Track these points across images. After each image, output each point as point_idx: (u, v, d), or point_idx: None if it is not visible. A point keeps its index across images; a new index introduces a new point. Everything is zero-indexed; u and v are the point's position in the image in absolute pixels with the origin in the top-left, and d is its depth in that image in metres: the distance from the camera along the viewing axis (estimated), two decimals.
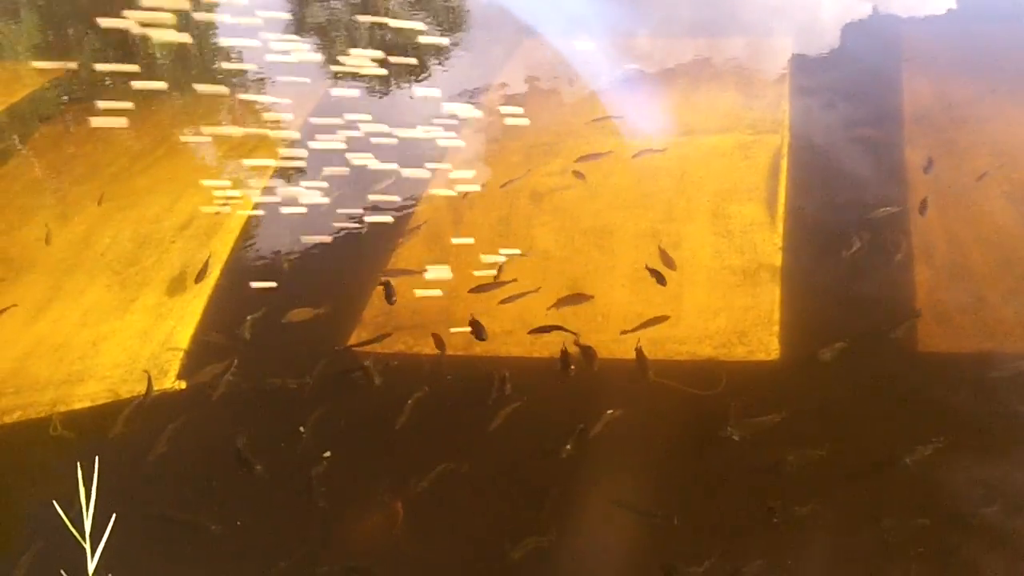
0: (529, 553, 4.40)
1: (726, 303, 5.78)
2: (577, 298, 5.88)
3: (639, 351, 5.41)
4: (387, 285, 6.08)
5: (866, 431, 4.87)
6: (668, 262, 6.06)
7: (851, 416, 4.95)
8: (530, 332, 5.67)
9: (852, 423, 4.91)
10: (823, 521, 4.40)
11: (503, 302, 5.91)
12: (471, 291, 6.02)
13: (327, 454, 5.02)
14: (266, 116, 8.36)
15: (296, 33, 9.95)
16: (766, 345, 5.45)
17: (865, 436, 4.84)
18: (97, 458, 2.78)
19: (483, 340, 5.66)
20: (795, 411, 4.93)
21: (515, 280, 6.06)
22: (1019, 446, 4.71)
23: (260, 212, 7.05)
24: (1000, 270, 5.85)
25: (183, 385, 5.57)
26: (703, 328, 5.62)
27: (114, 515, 2.81)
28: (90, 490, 2.65)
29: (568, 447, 4.88)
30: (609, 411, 5.04)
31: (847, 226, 6.26)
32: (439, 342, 5.68)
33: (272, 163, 7.52)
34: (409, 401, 5.25)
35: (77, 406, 5.44)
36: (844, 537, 4.36)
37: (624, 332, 5.58)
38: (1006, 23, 8.93)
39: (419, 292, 6.02)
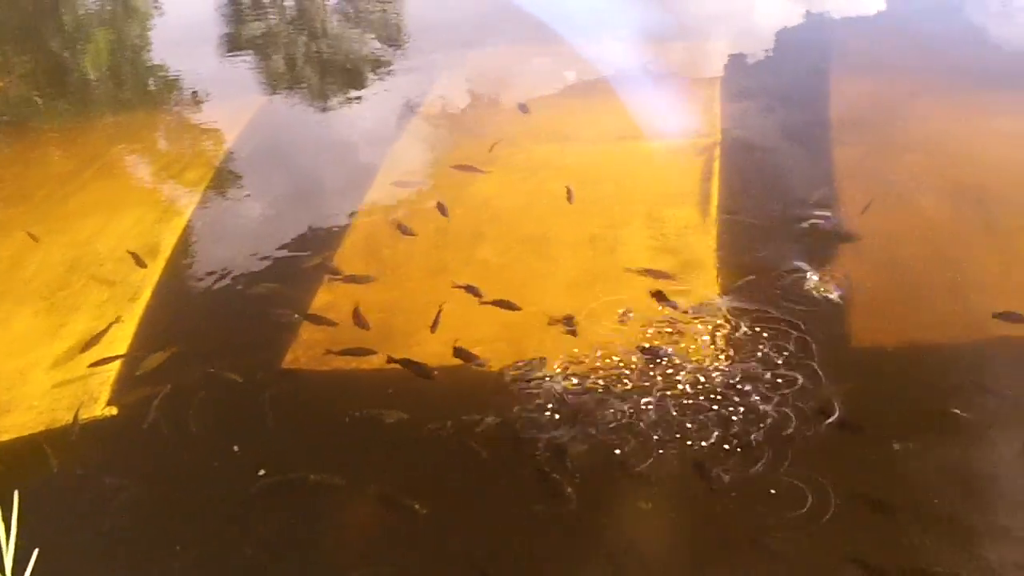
0: None
1: (663, 305, 5.74)
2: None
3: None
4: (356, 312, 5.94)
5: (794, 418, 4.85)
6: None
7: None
8: None
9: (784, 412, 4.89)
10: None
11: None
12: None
13: (261, 472, 4.93)
14: (200, 133, 8.27)
15: (232, 49, 9.86)
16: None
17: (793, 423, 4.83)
18: (17, 492, 2.70)
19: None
20: None
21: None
22: (955, 435, 4.72)
23: (193, 230, 6.96)
24: (933, 264, 5.88)
25: (114, 412, 5.43)
26: None
27: (37, 550, 2.73)
28: (10, 524, 2.58)
29: None
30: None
31: (780, 227, 6.29)
32: (388, 358, 5.60)
33: (205, 181, 7.42)
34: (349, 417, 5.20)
35: (4, 437, 5.29)
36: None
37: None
38: (935, 22, 9.04)
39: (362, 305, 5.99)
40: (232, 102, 8.72)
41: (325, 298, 6.16)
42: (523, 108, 7.73)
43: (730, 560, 4.26)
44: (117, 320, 6.08)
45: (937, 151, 6.95)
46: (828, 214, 6.37)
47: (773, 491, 4.46)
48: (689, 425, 4.86)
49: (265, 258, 6.58)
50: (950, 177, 6.65)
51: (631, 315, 5.63)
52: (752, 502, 4.44)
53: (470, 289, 5.95)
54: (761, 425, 4.81)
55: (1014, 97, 7.57)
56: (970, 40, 8.63)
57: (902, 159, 6.91)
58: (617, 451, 4.74)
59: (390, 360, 5.54)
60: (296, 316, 5.97)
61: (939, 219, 6.28)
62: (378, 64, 9.29)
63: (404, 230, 6.64)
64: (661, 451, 4.72)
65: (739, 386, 5.06)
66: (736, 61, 8.49)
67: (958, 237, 6.11)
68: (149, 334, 6.00)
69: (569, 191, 6.70)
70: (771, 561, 4.20)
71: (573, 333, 5.56)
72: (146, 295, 6.31)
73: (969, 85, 7.79)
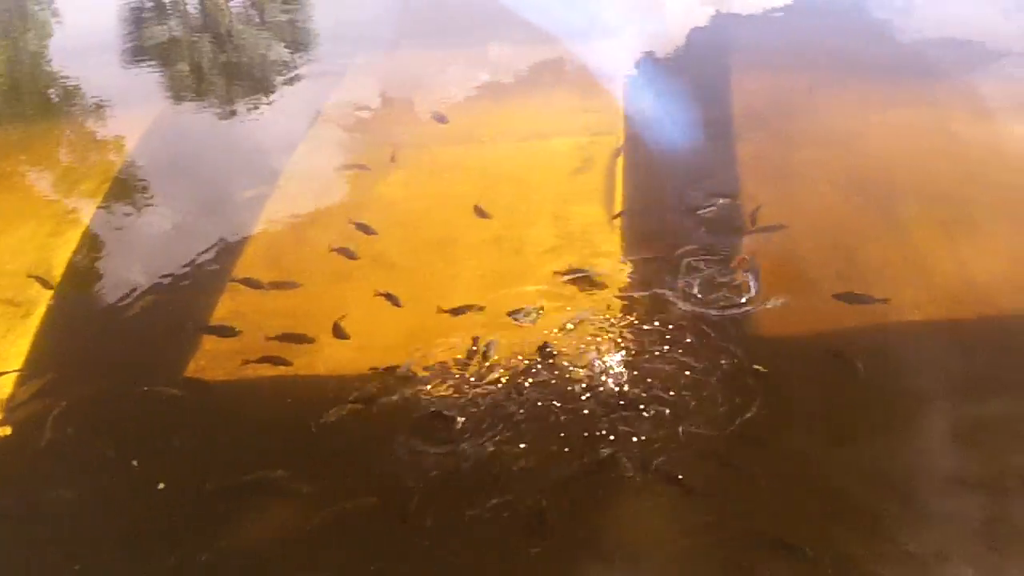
0: None
1: (570, 303, 5.76)
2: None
3: None
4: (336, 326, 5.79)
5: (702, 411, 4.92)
6: None
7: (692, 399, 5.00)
8: None
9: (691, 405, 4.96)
10: None
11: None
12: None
13: (161, 486, 4.84)
14: (97, 143, 8.10)
15: (134, 57, 9.67)
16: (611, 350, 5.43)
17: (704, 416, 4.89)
18: None
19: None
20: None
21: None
22: (857, 426, 4.81)
23: (90, 242, 6.82)
24: (830, 254, 5.98)
25: (7, 431, 5.29)
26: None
27: None
28: None
29: None
30: None
31: (682, 221, 6.35)
32: (282, 362, 5.55)
33: (102, 191, 7.27)
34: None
35: None
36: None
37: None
38: (829, 18, 9.20)
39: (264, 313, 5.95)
40: (132, 111, 8.55)
41: (228, 306, 6.08)
42: (439, 117, 7.65)
43: None
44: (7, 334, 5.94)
45: (833, 143, 7.07)
46: (728, 207, 6.45)
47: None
48: (586, 411, 4.96)
49: (164, 268, 6.46)
50: (845, 168, 6.77)
51: (536, 313, 5.64)
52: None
53: (390, 297, 5.92)
54: (661, 419, 4.87)
55: (908, 89, 7.70)
56: (865, 34, 8.77)
57: (799, 152, 7.02)
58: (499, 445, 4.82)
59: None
60: (192, 326, 5.88)
61: (835, 209, 6.38)
62: (282, 69, 9.19)
63: (366, 230, 6.55)
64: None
65: (642, 381, 5.12)
66: (640, 60, 8.54)
67: (853, 227, 6.21)
68: (44, 349, 5.87)
69: (478, 208, 6.64)
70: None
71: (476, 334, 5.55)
72: (40, 310, 6.17)
73: (864, 78, 7.93)
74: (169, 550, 4.52)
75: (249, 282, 6.19)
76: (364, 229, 6.55)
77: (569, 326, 5.55)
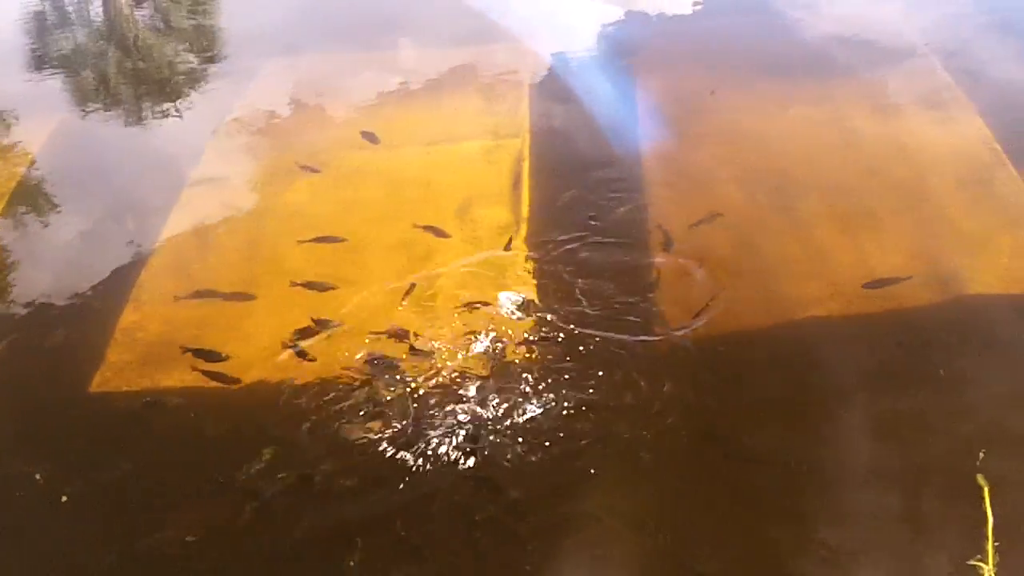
0: None
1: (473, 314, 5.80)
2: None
3: None
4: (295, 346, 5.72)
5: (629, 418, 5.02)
6: None
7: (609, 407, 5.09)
8: None
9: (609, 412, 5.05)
10: None
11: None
12: None
13: (64, 498, 4.84)
14: (1, 150, 7.96)
15: (38, 66, 9.49)
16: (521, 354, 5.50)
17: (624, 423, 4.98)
18: None
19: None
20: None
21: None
22: (765, 423, 4.94)
23: None
24: (736, 252, 6.10)
25: None
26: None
27: None
28: None
29: None
30: None
31: (589, 221, 6.43)
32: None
33: (6, 199, 7.18)
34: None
35: None
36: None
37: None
38: (734, 17, 9.33)
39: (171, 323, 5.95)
40: (36, 119, 8.41)
41: (131, 318, 6.03)
42: (369, 138, 7.61)
43: None
44: None
45: (735, 141, 7.20)
46: (634, 206, 6.56)
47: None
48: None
49: (68, 277, 6.42)
50: (747, 166, 6.90)
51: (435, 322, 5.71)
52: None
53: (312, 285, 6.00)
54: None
55: (809, 87, 7.85)
56: (769, 34, 8.92)
57: (702, 150, 7.14)
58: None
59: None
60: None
61: (738, 206, 6.50)
62: (189, 75, 9.09)
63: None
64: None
65: (544, 381, 5.22)
66: (544, 62, 8.60)
67: (756, 223, 6.34)
68: None
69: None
70: None
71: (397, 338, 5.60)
72: None
73: (767, 77, 8.06)
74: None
75: (203, 293, 6.17)
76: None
77: (480, 330, 5.62)
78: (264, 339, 5.73)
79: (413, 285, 5.97)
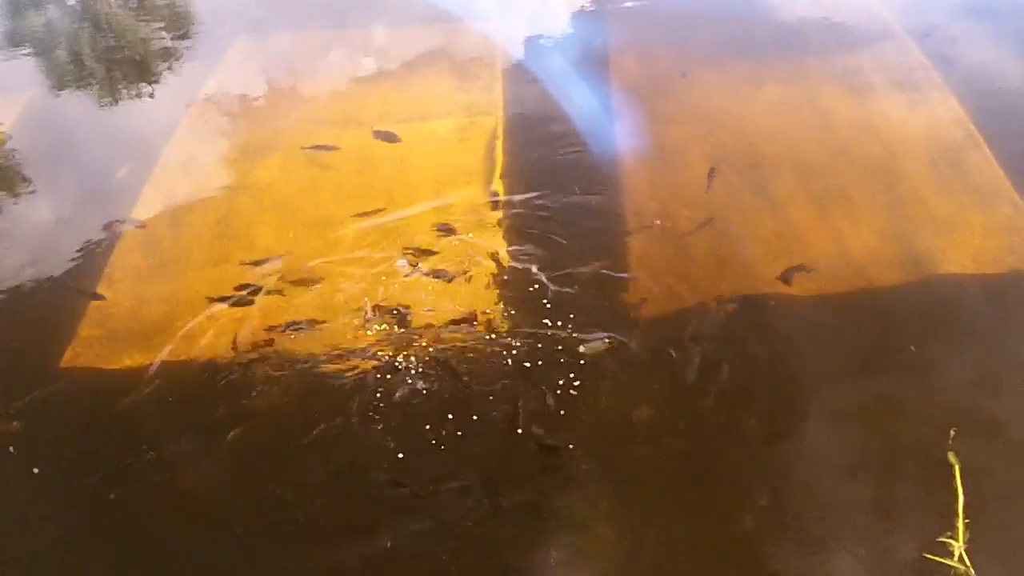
0: None
1: (451, 285, 5.81)
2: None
3: None
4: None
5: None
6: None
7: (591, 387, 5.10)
8: None
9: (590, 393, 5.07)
10: None
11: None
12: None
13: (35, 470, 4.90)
14: None
15: (9, 45, 9.37)
16: (495, 323, 5.52)
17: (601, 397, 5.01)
18: None
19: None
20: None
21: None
22: (739, 405, 4.95)
23: None
24: (706, 231, 6.09)
25: None
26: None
27: None
28: None
29: None
30: None
31: (562, 200, 6.42)
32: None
33: None
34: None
35: None
36: None
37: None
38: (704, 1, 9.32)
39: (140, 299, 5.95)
40: (6, 97, 8.32)
41: (104, 295, 5.99)
42: (385, 136, 7.54)
43: None
44: None
45: (708, 120, 7.17)
46: (609, 186, 6.55)
47: None
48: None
49: (40, 253, 6.39)
50: (720, 145, 6.89)
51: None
52: None
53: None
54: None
55: (782, 68, 7.84)
56: (743, 14, 8.86)
57: (675, 130, 7.12)
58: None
59: None
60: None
61: (711, 187, 6.49)
62: (161, 54, 9.00)
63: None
64: None
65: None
66: (518, 41, 8.55)
67: (728, 203, 6.33)
68: None
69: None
70: None
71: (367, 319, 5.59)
72: None
73: (740, 57, 8.05)
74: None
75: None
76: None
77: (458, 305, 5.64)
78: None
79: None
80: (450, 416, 4.95)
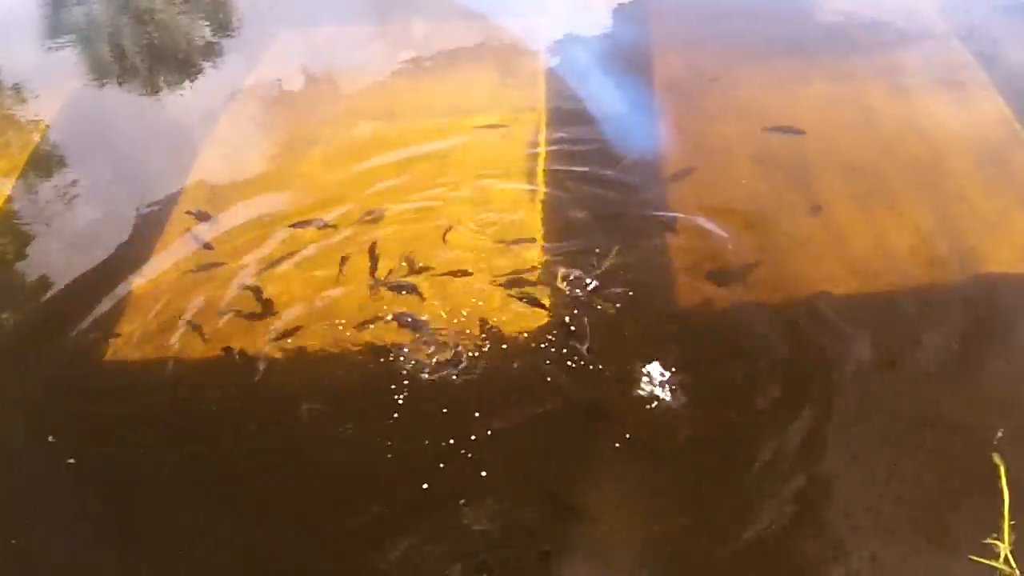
0: None
1: (496, 280, 5.82)
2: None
3: None
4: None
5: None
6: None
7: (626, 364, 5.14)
8: None
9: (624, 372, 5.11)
10: None
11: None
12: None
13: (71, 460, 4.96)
14: (15, 122, 7.97)
15: (54, 38, 9.48)
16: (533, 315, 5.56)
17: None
18: None
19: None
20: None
21: None
22: (778, 401, 4.94)
23: (8, 218, 6.83)
24: (753, 228, 6.06)
25: None
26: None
27: None
28: None
29: None
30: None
31: (605, 198, 6.41)
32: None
33: (20, 167, 7.21)
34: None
35: None
36: None
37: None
38: None
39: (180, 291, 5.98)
40: (45, 91, 8.42)
41: (145, 288, 6.07)
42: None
43: None
44: None
45: (752, 118, 7.11)
46: (652, 184, 6.54)
47: None
48: None
49: (79, 250, 6.45)
50: (764, 142, 6.84)
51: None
52: None
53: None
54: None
55: (827, 65, 7.78)
56: (787, 11, 8.83)
57: (718, 127, 7.08)
58: None
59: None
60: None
61: (754, 184, 6.47)
62: (204, 47, 9.07)
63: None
64: None
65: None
66: (560, 35, 8.53)
67: (772, 201, 6.30)
68: None
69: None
70: None
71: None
72: None
73: (785, 53, 7.99)
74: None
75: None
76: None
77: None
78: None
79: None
80: None
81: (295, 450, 4.91)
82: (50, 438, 5.08)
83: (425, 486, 4.62)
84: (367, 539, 4.45)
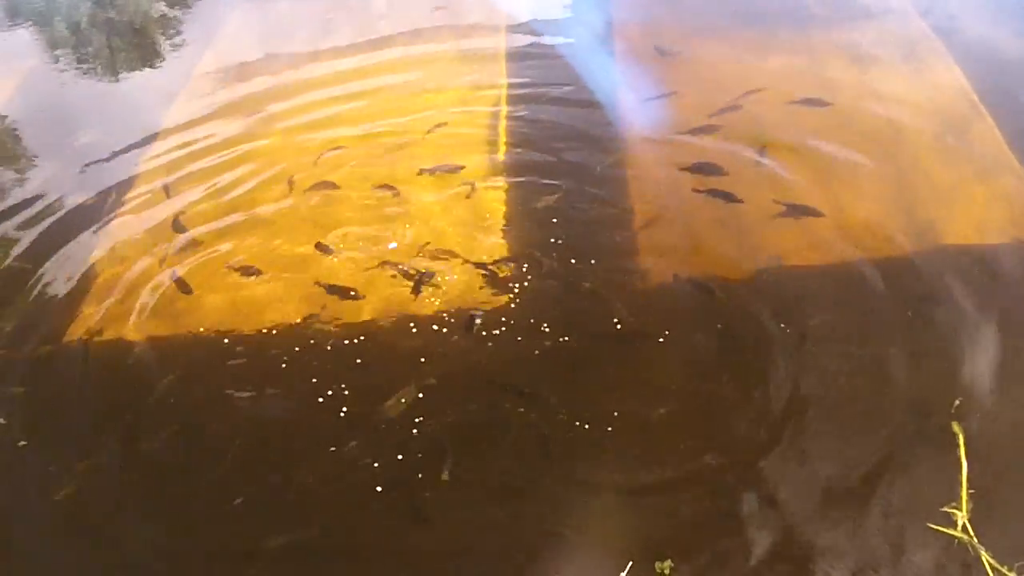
0: None
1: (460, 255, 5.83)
2: None
3: None
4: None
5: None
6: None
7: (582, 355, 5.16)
8: None
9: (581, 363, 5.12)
10: None
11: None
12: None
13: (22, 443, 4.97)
14: None
15: (11, 17, 9.35)
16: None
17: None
18: None
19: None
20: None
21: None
22: (747, 372, 4.96)
23: None
24: (712, 201, 6.06)
25: None
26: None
27: None
28: None
29: None
30: None
31: (565, 171, 6.41)
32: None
33: None
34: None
35: None
36: None
37: None
38: None
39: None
40: (5, 68, 8.33)
41: (108, 269, 6.04)
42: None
43: None
44: None
45: (712, 89, 7.10)
46: (613, 158, 6.53)
47: None
48: None
49: (38, 233, 6.41)
50: (726, 115, 6.83)
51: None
52: None
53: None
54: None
55: (786, 38, 7.78)
56: None
57: (680, 98, 7.09)
58: None
59: None
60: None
61: (716, 155, 6.46)
62: (159, 23, 8.98)
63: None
64: None
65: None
66: (522, 11, 8.49)
67: (734, 172, 6.30)
68: None
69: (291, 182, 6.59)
70: None
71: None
72: None
73: (745, 25, 8.00)
74: None
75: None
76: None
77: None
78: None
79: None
80: None
81: None
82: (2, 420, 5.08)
83: None
84: None
